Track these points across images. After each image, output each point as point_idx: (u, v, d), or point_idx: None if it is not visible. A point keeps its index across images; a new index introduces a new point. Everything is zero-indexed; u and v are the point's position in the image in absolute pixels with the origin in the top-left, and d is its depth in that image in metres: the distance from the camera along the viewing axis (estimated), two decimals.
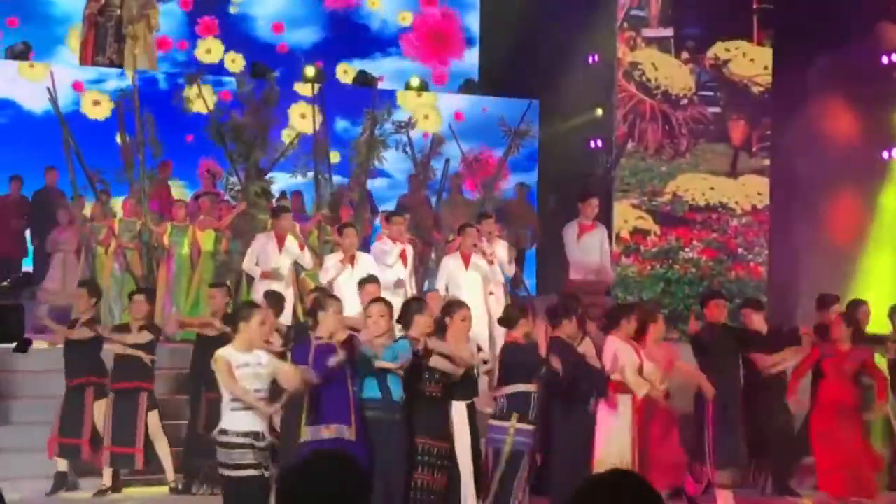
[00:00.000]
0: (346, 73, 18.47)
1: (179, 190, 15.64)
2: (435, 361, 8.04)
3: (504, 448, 8.19)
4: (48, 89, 13.73)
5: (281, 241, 12.09)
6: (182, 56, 18.06)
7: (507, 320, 8.83)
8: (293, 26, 18.72)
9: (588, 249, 12.78)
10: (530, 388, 8.38)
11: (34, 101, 15.38)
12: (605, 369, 8.99)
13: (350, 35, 18.89)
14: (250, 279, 12.69)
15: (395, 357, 7.80)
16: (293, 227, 12.57)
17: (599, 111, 16.51)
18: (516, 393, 8.32)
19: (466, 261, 11.81)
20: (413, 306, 8.34)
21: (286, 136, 15.51)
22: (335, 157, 15.37)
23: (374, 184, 15.55)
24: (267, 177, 13.96)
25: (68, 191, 14.42)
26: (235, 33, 18.31)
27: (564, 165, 16.76)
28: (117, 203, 14.28)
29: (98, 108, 15.96)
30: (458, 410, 8.33)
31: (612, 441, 8.92)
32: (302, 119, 16.44)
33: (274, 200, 13.89)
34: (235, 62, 17.88)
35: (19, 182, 15.08)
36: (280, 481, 2.99)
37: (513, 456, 8.21)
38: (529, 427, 8.31)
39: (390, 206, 14.73)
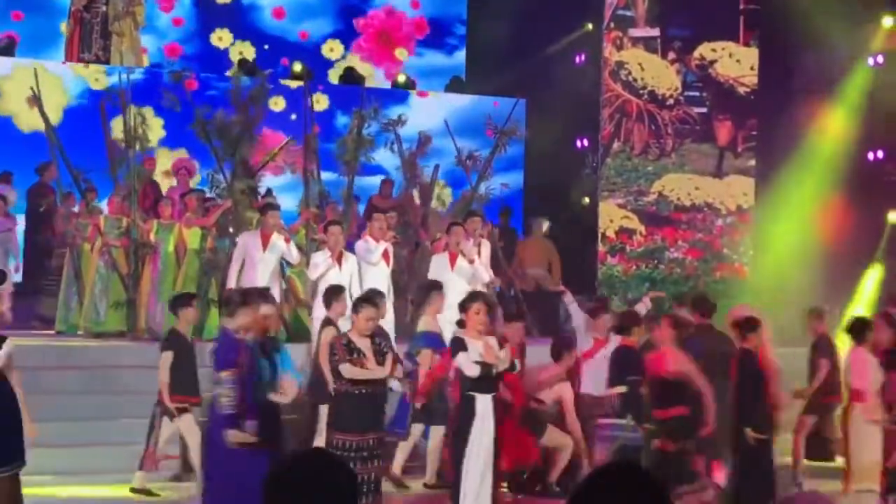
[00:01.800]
0: (332, 50, 18.49)
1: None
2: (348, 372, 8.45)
3: (615, 444, 8.84)
4: (32, 88, 13.63)
5: (266, 239, 12.04)
6: (191, 47, 18.07)
7: (621, 328, 9.33)
8: (299, 16, 18.76)
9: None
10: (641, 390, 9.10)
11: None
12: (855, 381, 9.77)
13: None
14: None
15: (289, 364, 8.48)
16: (280, 225, 12.54)
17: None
18: (628, 393, 8.96)
19: (453, 260, 11.85)
20: (356, 304, 8.89)
21: (273, 103, 15.47)
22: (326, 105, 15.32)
23: (371, 181, 15.60)
24: (257, 176, 13.91)
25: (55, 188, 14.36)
26: (241, 21, 18.38)
27: (550, 165, 16.78)
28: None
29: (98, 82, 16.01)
30: (484, 403, 8.57)
31: (864, 445, 9.76)
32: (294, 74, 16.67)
33: (260, 197, 13.84)
34: (223, 39, 17.87)
35: (8, 178, 14.99)
36: (266, 483, 2.98)
37: (623, 450, 8.82)
38: (642, 425, 8.98)
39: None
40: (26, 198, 15.00)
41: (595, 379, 10.35)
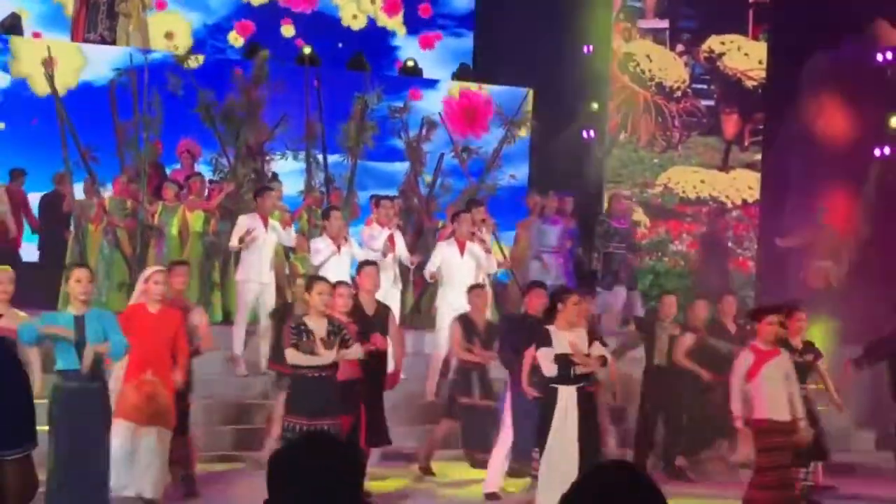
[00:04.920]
0: (355, 18, 18.45)
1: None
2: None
3: None
4: (43, 64, 13.59)
5: (265, 221, 12.02)
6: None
7: None
8: None
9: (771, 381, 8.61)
10: None
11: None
12: None
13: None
14: (237, 260, 12.66)
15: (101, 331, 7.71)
16: (277, 207, 12.54)
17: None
18: None
19: (462, 247, 11.81)
20: (308, 282, 8.77)
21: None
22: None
23: (395, 166, 15.58)
24: (267, 158, 13.88)
25: (61, 167, 14.25)
26: None
27: (556, 156, 16.72)
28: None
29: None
30: (566, 394, 8.38)
31: None
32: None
33: (266, 181, 13.80)
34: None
35: (21, 175, 14.83)
36: (271, 463, 2.96)
37: None
38: None
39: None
40: (39, 205, 14.91)
41: (775, 399, 8.46)
